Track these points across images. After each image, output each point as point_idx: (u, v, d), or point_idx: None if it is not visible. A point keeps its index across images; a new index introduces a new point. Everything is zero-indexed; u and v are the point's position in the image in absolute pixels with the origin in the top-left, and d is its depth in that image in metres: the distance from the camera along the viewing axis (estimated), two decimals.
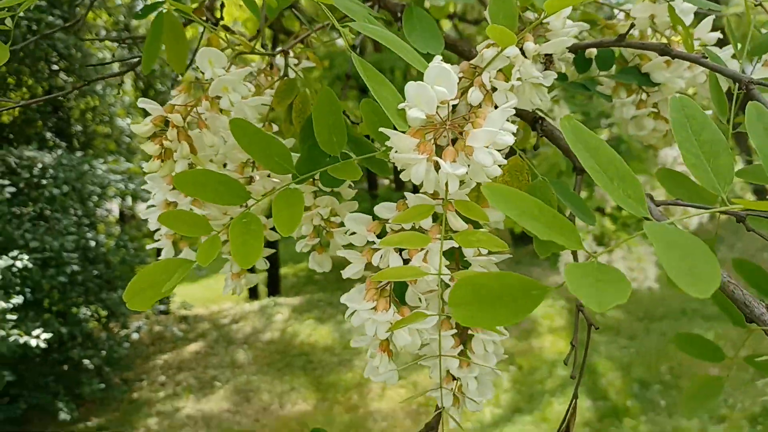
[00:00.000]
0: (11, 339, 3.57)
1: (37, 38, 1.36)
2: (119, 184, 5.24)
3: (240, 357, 6.05)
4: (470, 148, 0.53)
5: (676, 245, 0.37)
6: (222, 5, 0.87)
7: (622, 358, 5.05)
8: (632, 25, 0.68)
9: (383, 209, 0.65)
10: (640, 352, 5.13)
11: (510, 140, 0.53)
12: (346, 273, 0.61)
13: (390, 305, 0.57)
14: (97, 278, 4.93)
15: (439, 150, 0.58)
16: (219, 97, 0.69)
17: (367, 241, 0.64)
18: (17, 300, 3.73)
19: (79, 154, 5.41)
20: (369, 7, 0.92)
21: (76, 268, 4.52)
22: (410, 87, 0.54)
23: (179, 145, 0.65)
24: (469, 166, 0.55)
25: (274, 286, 8.14)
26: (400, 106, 0.54)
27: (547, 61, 0.64)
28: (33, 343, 3.61)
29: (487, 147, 0.53)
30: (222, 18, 0.86)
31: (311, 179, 0.76)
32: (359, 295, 0.60)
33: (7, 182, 4.41)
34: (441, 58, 0.62)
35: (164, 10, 0.84)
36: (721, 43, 0.83)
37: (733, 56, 0.80)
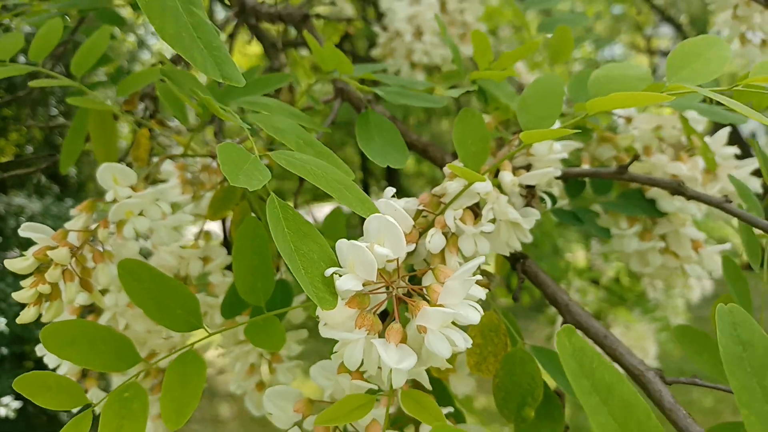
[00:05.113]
0: None
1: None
2: None
3: (223, 411, 5.75)
4: (423, 327, 0.40)
5: None
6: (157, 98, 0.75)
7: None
8: (636, 157, 0.55)
9: (320, 373, 0.51)
10: None
11: (476, 318, 0.40)
12: None
13: None
14: None
15: (384, 317, 0.45)
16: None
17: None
18: None
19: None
20: (333, 100, 0.81)
21: None
22: (342, 247, 0.40)
23: (65, 287, 0.51)
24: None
25: None
26: (328, 272, 0.40)
27: (529, 195, 0.51)
28: (2, 412, 3.37)
29: (443, 328, 0.39)
30: (157, 111, 0.74)
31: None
32: None
33: None
34: (393, 192, 0.49)
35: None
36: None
37: (754, 173, 0.67)
